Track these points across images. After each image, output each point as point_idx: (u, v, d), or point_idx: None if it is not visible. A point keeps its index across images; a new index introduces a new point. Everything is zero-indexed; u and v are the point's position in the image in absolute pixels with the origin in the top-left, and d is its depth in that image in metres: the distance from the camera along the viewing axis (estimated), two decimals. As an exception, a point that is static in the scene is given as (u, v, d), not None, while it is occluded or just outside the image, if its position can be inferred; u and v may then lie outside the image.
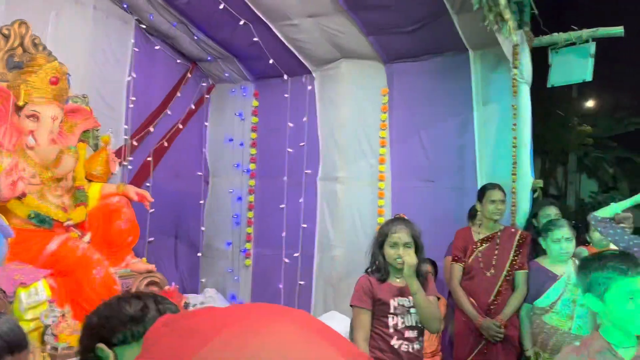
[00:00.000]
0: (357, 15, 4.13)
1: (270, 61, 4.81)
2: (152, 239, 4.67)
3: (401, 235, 2.39)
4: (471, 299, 3.26)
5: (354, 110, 4.79)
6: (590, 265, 1.59)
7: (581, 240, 3.98)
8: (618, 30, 3.90)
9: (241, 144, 5.34)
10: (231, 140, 5.38)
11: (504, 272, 3.24)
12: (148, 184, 4.71)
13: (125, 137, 4.51)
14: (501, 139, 4.15)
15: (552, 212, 3.71)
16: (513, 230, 3.41)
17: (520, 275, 3.23)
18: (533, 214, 3.81)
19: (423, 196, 4.48)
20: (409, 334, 2.39)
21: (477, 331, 3.19)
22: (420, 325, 2.43)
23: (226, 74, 5.30)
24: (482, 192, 3.41)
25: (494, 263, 3.27)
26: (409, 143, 4.62)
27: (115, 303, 1.20)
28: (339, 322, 3.63)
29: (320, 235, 4.82)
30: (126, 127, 4.52)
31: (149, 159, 4.79)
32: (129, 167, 4.55)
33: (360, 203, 4.74)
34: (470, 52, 4.33)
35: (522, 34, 3.87)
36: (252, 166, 5.30)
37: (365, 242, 3.30)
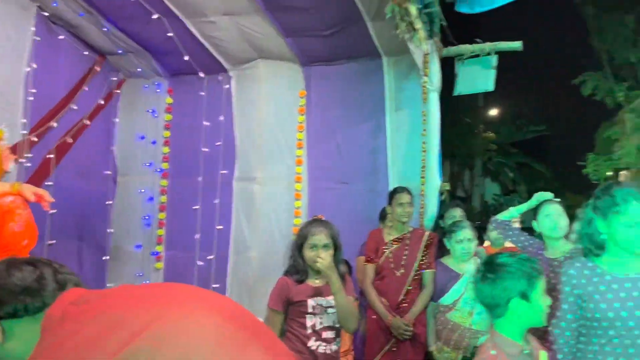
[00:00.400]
0: (275, 16, 4.12)
1: (186, 58, 4.68)
2: (53, 241, 4.35)
3: (320, 237, 2.41)
4: (382, 299, 3.37)
5: (272, 111, 4.78)
6: (516, 273, 1.65)
7: (483, 240, 4.26)
8: (517, 44, 4.22)
9: (153, 142, 5.14)
10: (143, 138, 5.16)
11: (413, 272, 3.37)
12: (49, 183, 4.39)
13: (24, 132, 4.17)
14: (412, 144, 4.33)
15: (457, 213, 3.91)
16: (422, 231, 3.56)
17: (428, 275, 3.38)
18: (440, 215, 4.00)
19: (338, 197, 4.56)
20: (326, 334, 2.41)
21: (388, 330, 3.30)
22: (337, 326, 2.46)
23: (138, 69, 5.07)
24: (391, 195, 3.54)
25: (403, 263, 3.40)
26: (325, 145, 4.70)
27: (3, 270, 1.04)
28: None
29: (236, 237, 4.76)
30: (24, 121, 4.17)
31: (50, 156, 4.46)
32: (27, 164, 4.21)
33: (276, 204, 4.73)
34: (384, 59, 4.49)
35: (432, 44, 4.06)
36: (164, 165, 5.11)
37: (282, 244, 3.30)
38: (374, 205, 4.35)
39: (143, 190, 5.12)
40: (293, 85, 4.77)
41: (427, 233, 3.52)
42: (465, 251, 3.19)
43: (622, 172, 17.74)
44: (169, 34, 4.43)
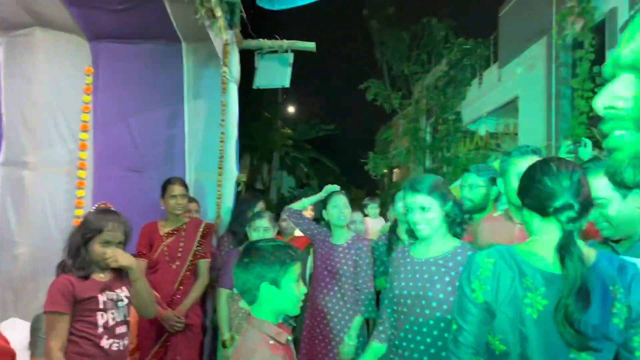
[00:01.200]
0: (55, -21, 3.62)
1: None
2: None
3: (117, 234, 2.25)
4: (155, 292, 3.27)
5: (50, 87, 4.19)
6: (269, 258, 1.63)
7: (280, 232, 4.42)
8: (311, 45, 4.47)
9: None
10: None
11: (187, 263, 3.36)
12: None
13: None
14: (210, 133, 4.26)
15: (259, 205, 3.99)
16: (199, 221, 3.56)
17: (202, 264, 3.40)
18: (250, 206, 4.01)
19: (128, 187, 4.23)
20: (119, 330, 2.27)
21: (159, 324, 3.21)
22: (128, 319, 2.34)
23: None
24: (164, 187, 3.45)
25: (179, 255, 3.37)
26: (115, 129, 4.31)
27: None
28: (21, 329, 3.12)
29: (0, 231, 4.06)
30: None
31: None
32: None
33: (54, 193, 4.17)
34: (184, 44, 4.31)
35: (232, 34, 4.05)
36: None
37: (59, 238, 2.94)
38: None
39: None
40: (78, 61, 4.25)
41: (204, 223, 3.54)
42: (259, 240, 3.26)
43: (395, 170, 20.45)
44: None
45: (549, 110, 8.81)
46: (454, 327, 1.46)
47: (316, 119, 24.23)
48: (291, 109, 25.47)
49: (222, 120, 4.17)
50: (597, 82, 7.23)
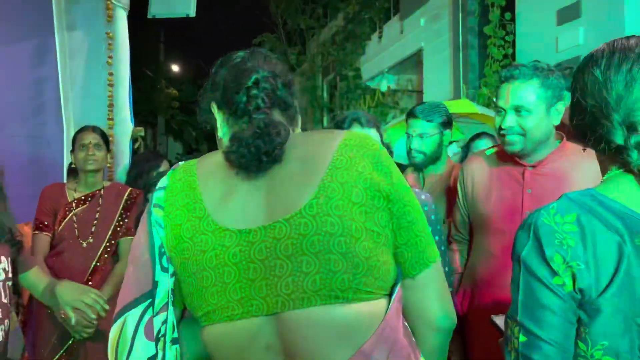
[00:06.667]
0: None
1: None
2: None
3: None
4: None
5: None
6: None
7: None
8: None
9: None
10: None
11: (105, 241, 2.50)
12: None
13: None
14: (93, 74, 3.35)
15: (164, 165, 3.18)
16: (120, 187, 2.69)
17: (124, 244, 2.55)
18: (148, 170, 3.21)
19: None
20: None
21: (62, 326, 2.28)
22: (5, 301, 1.62)
23: None
24: (74, 138, 2.63)
25: (93, 230, 2.51)
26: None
27: None
28: None
29: None
30: None
31: None
32: None
33: None
34: (48, -45, 3.25)
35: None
36: None
37: None
38: (41, 157, 3.19)
39: None
40: None
41: (128, 190, 2.66)
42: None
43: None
44: None
45: (456, 61, 8.72)
46: (522, 338, 0.87)
47: (205, 78, 22.83)
48: (175, 68, 23.74)
49: (110, 57, 3.28)
50: (507, 29, 7.14)
